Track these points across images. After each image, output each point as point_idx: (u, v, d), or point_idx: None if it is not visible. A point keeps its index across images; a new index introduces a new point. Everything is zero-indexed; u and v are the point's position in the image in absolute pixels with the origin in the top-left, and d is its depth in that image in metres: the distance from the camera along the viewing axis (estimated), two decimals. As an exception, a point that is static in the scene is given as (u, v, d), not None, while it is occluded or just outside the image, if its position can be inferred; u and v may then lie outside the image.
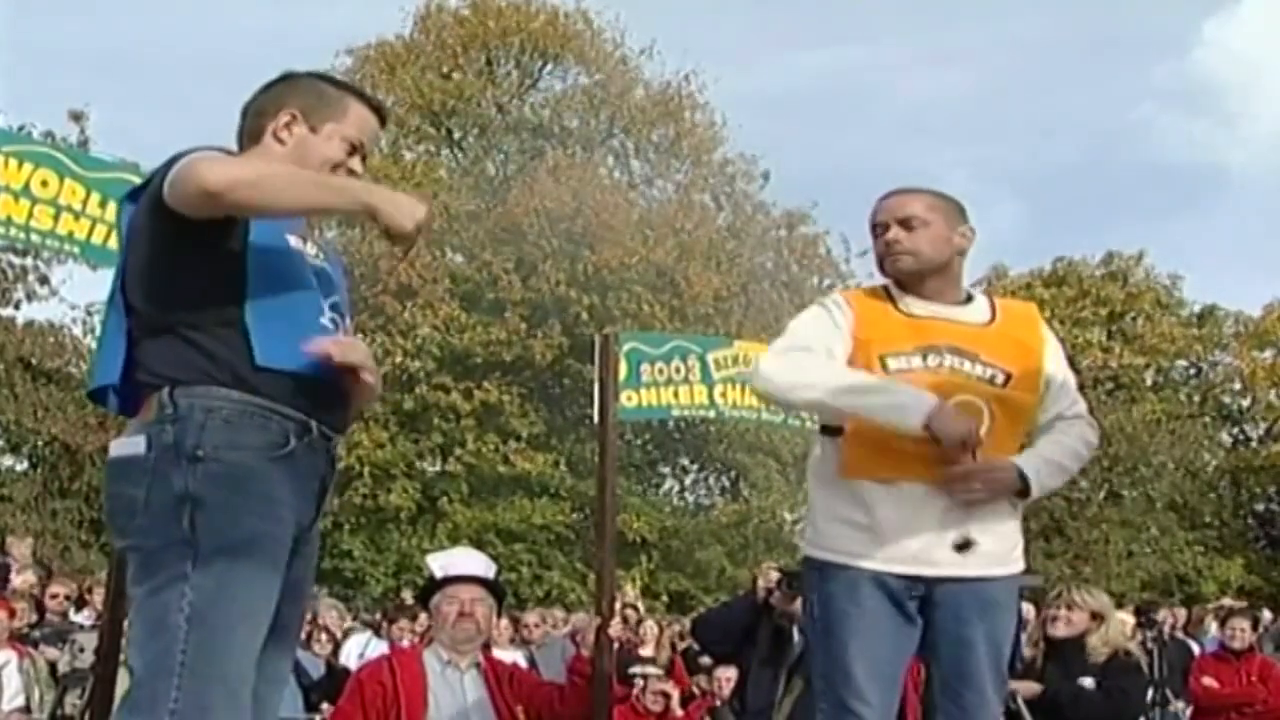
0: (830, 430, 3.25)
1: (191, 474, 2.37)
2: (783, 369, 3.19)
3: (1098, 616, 5.60)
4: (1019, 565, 3.26)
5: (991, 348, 3.24)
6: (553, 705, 4.68)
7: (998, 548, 3.18)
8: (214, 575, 2.34)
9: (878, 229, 3.31)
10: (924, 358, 3.18)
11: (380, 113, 2.77)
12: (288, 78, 2.73)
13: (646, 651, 7.36)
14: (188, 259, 2.44)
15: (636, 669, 6.90)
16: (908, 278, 3.28)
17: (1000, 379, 3.21)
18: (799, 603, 4.09)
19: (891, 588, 3.12)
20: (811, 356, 3.16)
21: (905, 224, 3.26)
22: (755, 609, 5.75)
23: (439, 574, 4.92)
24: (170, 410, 2.40)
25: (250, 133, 2.68)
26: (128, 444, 2.46)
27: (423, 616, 7.58)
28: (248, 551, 2.38)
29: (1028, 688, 5.39)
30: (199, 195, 2.35)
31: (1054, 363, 3.35)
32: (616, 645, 5.39)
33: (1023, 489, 3.16)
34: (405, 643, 7.96)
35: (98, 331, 19.82)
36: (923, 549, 3.11)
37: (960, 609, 3.13)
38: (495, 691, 4.63)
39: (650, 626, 9.05)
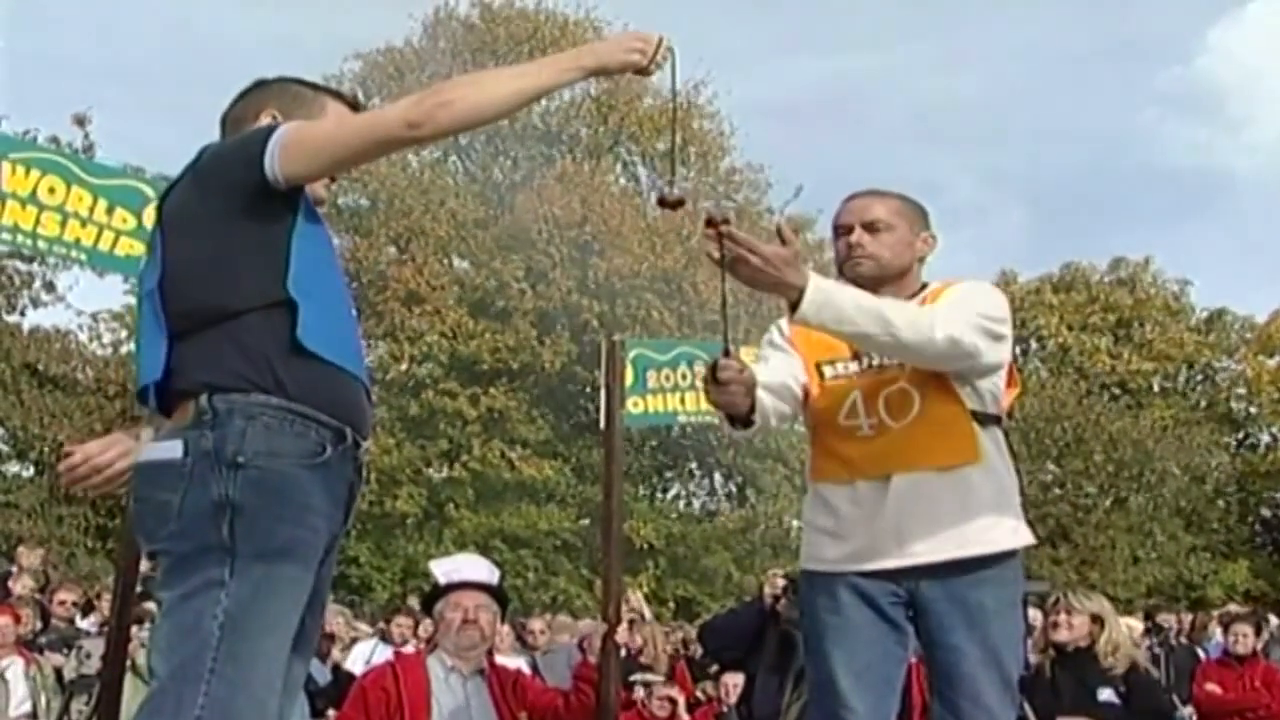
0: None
1: (231, 480, 2.32)
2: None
3: (1098, 619, 5.61)
4: (1000, 544, 3.09)
5: None
6: (557, 711, 4.66)
7: (965, 525, 3.05)
8: (250, 583, 2.30)
9: (840, 230, 3.25)
10: (860, 361, 3.19)
11: (355, 108, 2.75)
12: (260, 84, 2.72)
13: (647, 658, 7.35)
14: (243, 233, 2.41)
15: (638, 675, 6.89)
16: (865, 283, 3.19)
17: None
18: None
19: (870, 593, 3.09)
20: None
21: (870, 227, 3.19)
22: (762, 615, 5.76)
23: (443, 580, 4.90)
24: (209, 416, 2.36)
25: None
26: (162, 449, 2.40)
27: (425, 620, 7.60)
28: (284, 560, 2.35)
29: None
30: (397, 134, 2.38)
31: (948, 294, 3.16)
32: (624, 652, 5.39)
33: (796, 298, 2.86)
34: (410, 647, 7.95)
35: (104, 338, 19.72)
36: (886, 544, 3.06)
37: (943, 616, 3.06)
38: (499, 698, 4.61)
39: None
